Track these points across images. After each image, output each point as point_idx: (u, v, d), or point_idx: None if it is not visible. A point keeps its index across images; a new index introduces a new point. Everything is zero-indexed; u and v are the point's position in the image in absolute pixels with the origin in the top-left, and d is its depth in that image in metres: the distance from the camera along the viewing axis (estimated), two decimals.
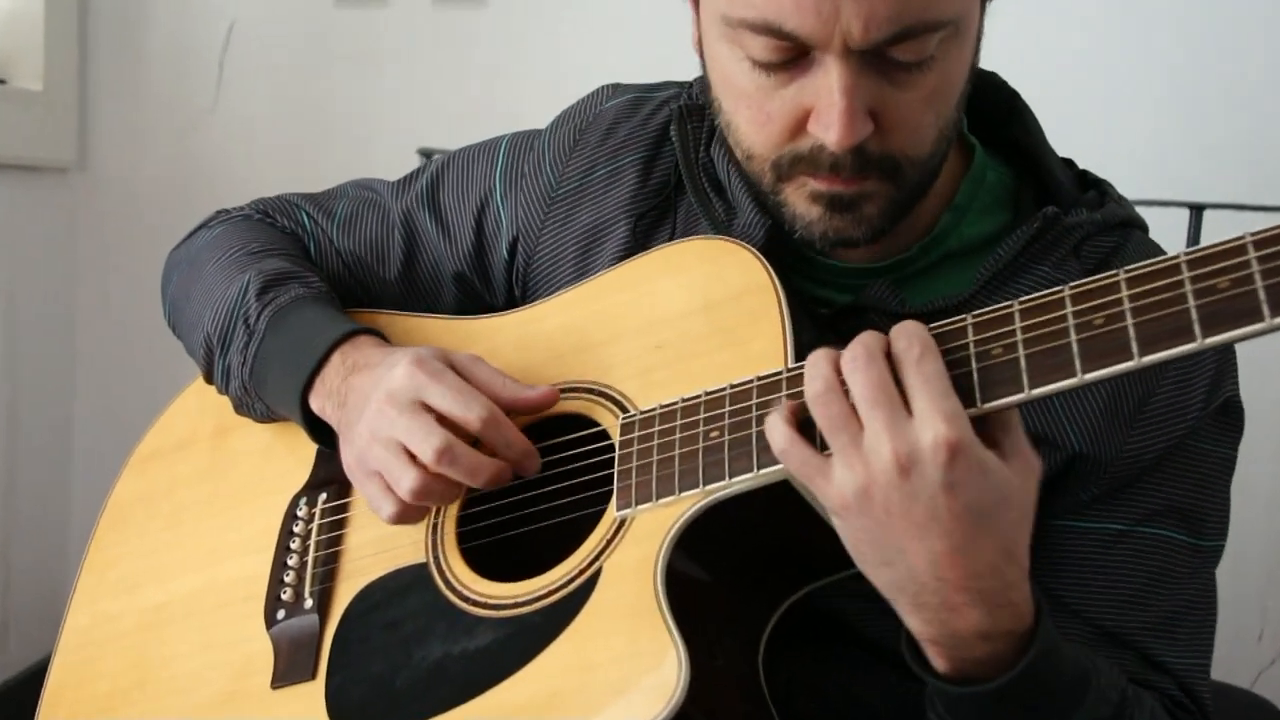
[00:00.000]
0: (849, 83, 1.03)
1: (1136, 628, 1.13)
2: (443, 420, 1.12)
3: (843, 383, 0.94)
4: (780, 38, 1.03)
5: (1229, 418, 1.17)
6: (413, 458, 1.11)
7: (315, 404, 1.22)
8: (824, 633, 1.16)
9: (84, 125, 2.87)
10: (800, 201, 1.11)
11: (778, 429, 0.96)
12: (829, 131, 1.04)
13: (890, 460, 0.90)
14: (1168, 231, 2.12)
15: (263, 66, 2.81)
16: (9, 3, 2.74)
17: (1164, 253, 1.18)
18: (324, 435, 1.23)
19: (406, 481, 1.11)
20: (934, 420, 0.89)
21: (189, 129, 2.84)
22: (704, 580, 1.06)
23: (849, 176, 1.07)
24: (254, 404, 1.30)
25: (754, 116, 1.09)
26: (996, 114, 1.24)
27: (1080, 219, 1.17)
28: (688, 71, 1.34)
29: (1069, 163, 1.26)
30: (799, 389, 0.99)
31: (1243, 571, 2.24)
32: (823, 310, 1.17)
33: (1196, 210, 2.20)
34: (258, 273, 1.30)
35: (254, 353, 1.26)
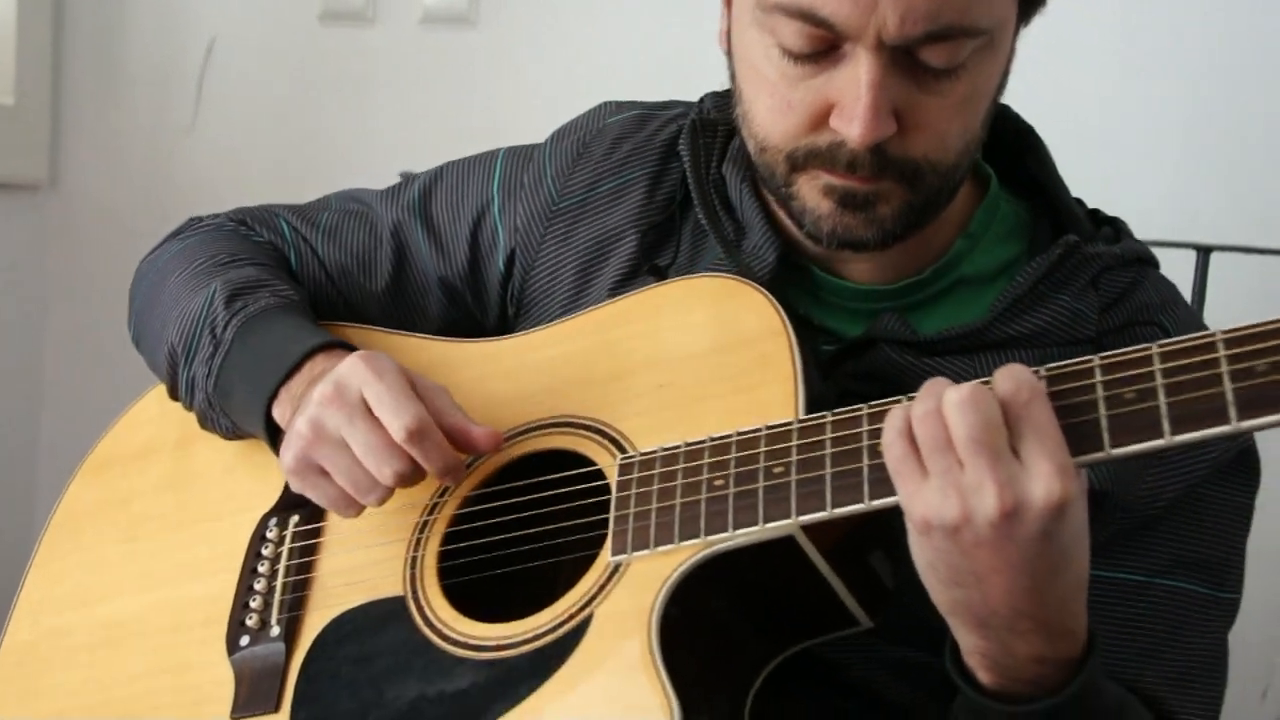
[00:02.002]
0: (877, 78, 1.04)
1: (1152, 680, 1.13)
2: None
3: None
4: (814, 24, 1.04)
5: (1247, 466, 1.18)
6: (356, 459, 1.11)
7: (277, 412, 1.20)
8: (813, 681, 1.14)
9: (56, 142, 2.85)
10: (812, 194, 1.11)
11: (898, 414, 0.95)
12: (851, 125, 1.05)
13: (994, 508, 0.89)
14: (1173, 273, 2.13)
15: (244, 85, 2.80)
16: None
17: (1179, 294, 1.21)
18: None
19: (378, 497, 1.12)
20: (1045, 470, 0.90)
21: (166, 148, 2.83)
22: (698, 633, 1.04)
23: (866, 175, 1.08)
24: (219, 419, 1.27)
25: (775, 105, 1.10)
26: (1010, 148, 1.25)
27: (1100, 250, 1.18)
28: (679, 95, 1.34)
29: (1080, 201, 1.27)
30: (812, 439, 1.00)
31: (1247, 626, 2.23)
32: (826, 347, 1.17)
33: (1204, 252, 2.20)
34: (225, 281, 1.28)
35: (220, 364, 1.24)
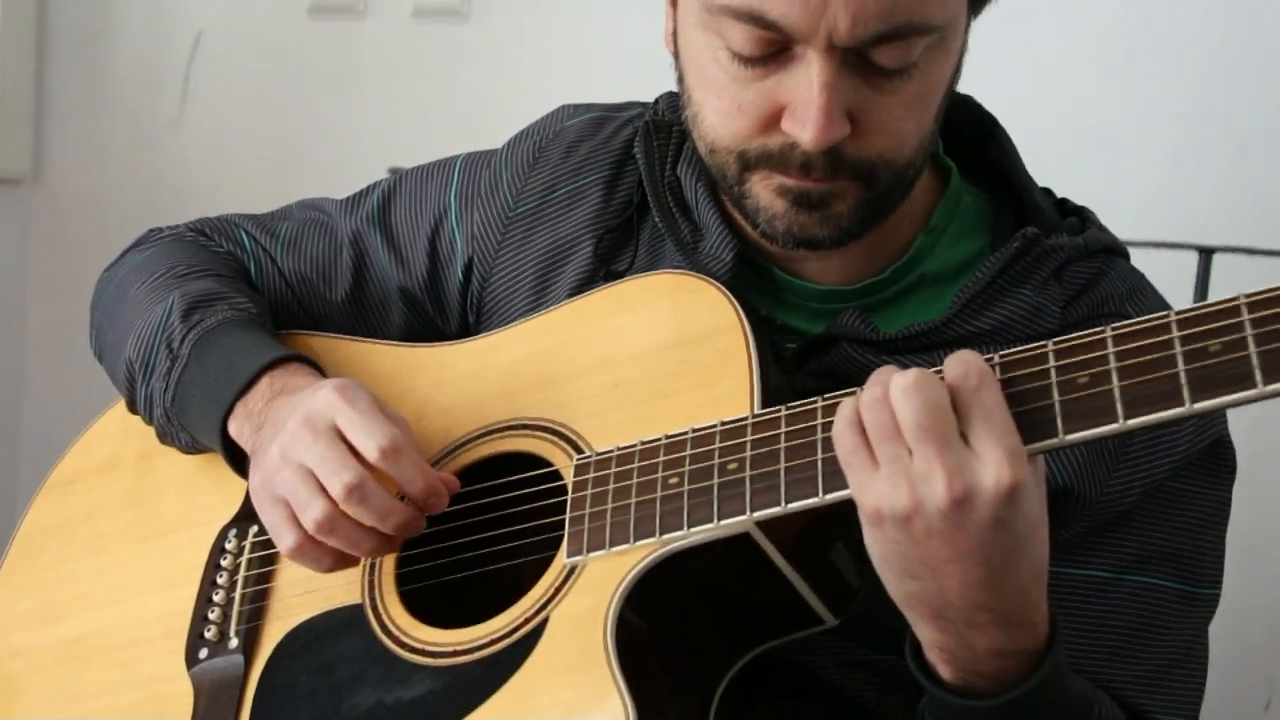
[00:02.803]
0: (829, 80, 1.03)
1: (1124, 681, 1.13)
2: (356, 453, 1.09)
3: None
4: (763, 27, 1.03)
5: (1219, 458, 1.17)
6: (323, 488, 1.09)
7: (233, 428, 1.20)
8: (782, 688, 1.14)
9: (40, 135, 2.85)
10: (765, 194, 1.11)
11: (849, 404, 0.95)
12: (804, 129, 1.04)
13: (944, 494, 0.89)
14: (1175, 274, 2.12)
15: (231, 79, 2.81)
16: None
17: (1147, 283, 1.20)
18: (242, 463, 1.21)
19: (313, 510, 1.08)
20: (995, 455, 0.89)
21: (152, 142, 2.83)
22: (656, 635, 1.04)
23: (820, 176, 1.08)
24: (178, 434, 1.28)
25: (724, 107, 1.09)
26: (973, 137, 1.25)
27: (1062, 242, 1.17)
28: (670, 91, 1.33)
29: (1048, 191, 1.26)
30: (768, 433, 1.00)
31: (1248, 636, 2.22)
32: (789, 345, 1.16)
33: (1205, 253, 2.19)
34: (183, 295, 1.28)
35: (177, 379, 1.24)
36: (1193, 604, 1.15)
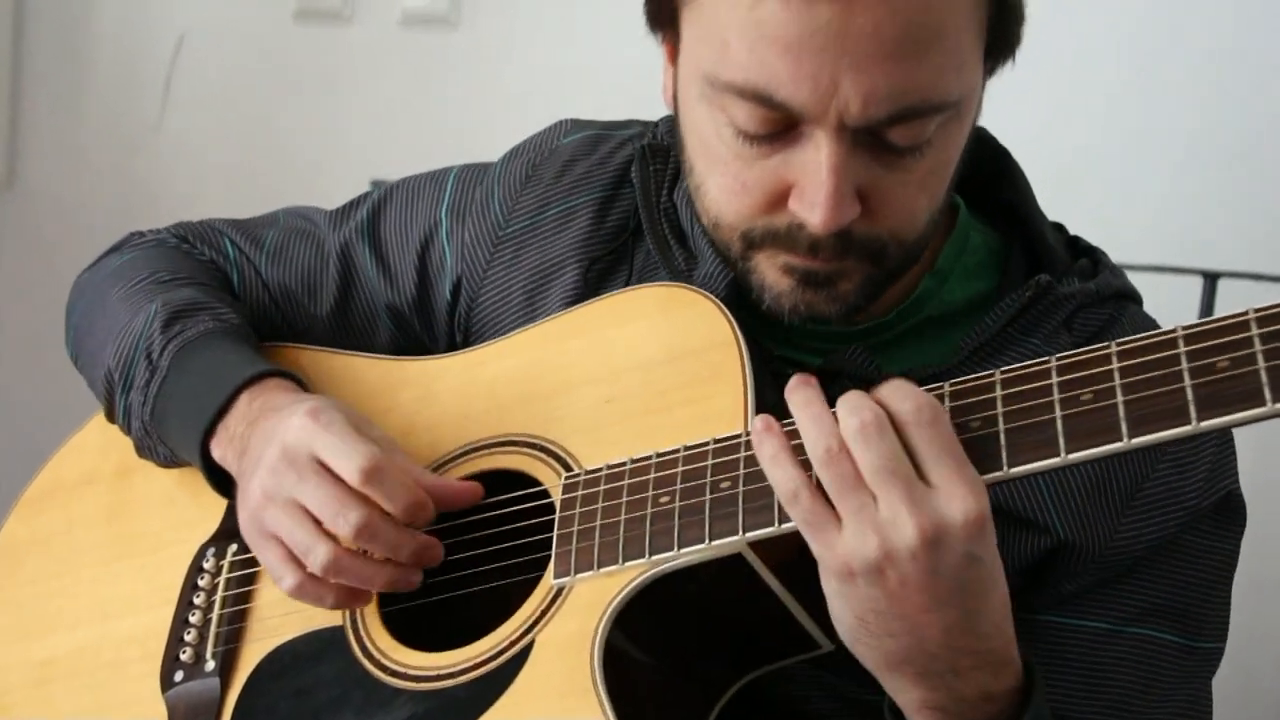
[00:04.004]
0: (839, 161, 1.01)
1: None
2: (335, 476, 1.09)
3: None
4: (770, 107, 1.01)
5: (1231, 511, 1.16)
6: (318, 524, 1.09)
7: (217, 452, 1.19)
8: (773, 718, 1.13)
9: (15, 138, 2.85)
10: (771, 271, 1.09)
11: (785, 470, 0.94)
12: (813, 212, 1.02)
13: (914, 536, 0.89)
14: (1179, 299, 2.12)
15: (214, 84, 2.81)
16: None
17: (1157, 327, 1.17)
18: (226, 486, 1.20)
19: (318, 555, 1.08)
20: (959, 491, 0.89)
21: (131, 147, 2.83)
22: (644, 660, 1.04)
23: (829, 257, 1.06)
24: (156, 447, 1.27)
25: (728, 184, 1.07)
26: (984, 172, 1.23)
27: (1073, 289, 1.15)
28: (660, 103, 1.33)
29: (1059, 227, 1.25)
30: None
31: (1256, 693, 2.21)
32: (789, 370, 1.15)
33: (1211, 278, 2.20)
34: (164, 303, 1.27)
35: (156, 391, 1.23)
36: (1194, 658, 1.14)
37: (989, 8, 1.04)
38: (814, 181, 1.02)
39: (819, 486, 0.93)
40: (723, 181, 1.07)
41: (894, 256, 1.08)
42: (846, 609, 0.94)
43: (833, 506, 0.93)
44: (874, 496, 0.90)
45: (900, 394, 0.93)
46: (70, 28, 2.85)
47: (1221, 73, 2.36)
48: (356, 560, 1.09)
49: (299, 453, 1.09)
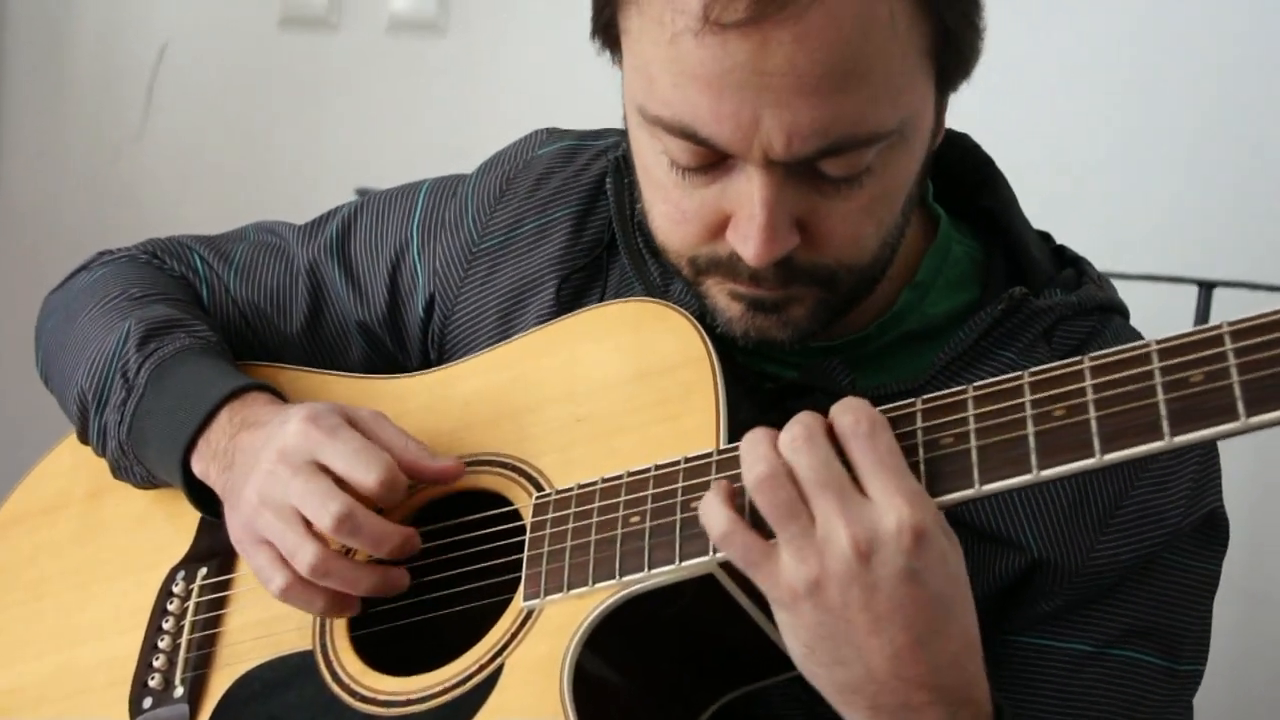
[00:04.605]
0: (770, 195, 1.00)
1: None
2: (342, 483, 1.08)
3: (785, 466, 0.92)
4: (697, 143, 1.01)
5: (1213, 529, 1.15)
6: (310, 526, 1.08)
7: (198, 467, 1.19)
8: None
9: None
10: (720, 296, 1.09)
11: (716, 512, 0.94)
12: (746, 245, 1.02)
13: (848, 548, 0.89)
14: (1175, 309, 2.12)
15: (197, 92, 2.80)
16: None
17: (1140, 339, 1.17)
18: (208, 503, 1.20)
19: (306, 555, 1.08)
20: (894, 502, 0.89)
21: (112, 157, 2.83)
22: (616, 682, 1.04)
23: (773, 286, 1.06)
24: (133, 467, 1.27)
25: (670, 212, 1.07)
26: (967, 182, 1.22)
27: (1053, 301, 1.15)
28: None
29: (1045, 236, 1.24)
30: (733, 471, 0.98)
31: (1250, 704, 2.20)
32: (766, 385, 1.15)
33: (1206, 288, 2.19)
34: (139, 320, 1.26)
35: (133, 410, 1.23)
36: (1175, 680, 1.13)
37: (931, 32, 1.01)
38: (746, 215, 1.01)
39: (755, 521, 0.93)
40: (664, 209, 1.07)
41: (846, 282, 1.07)
42: (795, 639, 0.94)
43: (768, 539, 0.92)
44: (812, 519, 0.90)
45: (841, 408, 0.93)
46: (51, 35, 2.84)
47: (1219, 83, 2.36)
48: (343, 562, 1.09)
49: (297, 456, 1.09)
